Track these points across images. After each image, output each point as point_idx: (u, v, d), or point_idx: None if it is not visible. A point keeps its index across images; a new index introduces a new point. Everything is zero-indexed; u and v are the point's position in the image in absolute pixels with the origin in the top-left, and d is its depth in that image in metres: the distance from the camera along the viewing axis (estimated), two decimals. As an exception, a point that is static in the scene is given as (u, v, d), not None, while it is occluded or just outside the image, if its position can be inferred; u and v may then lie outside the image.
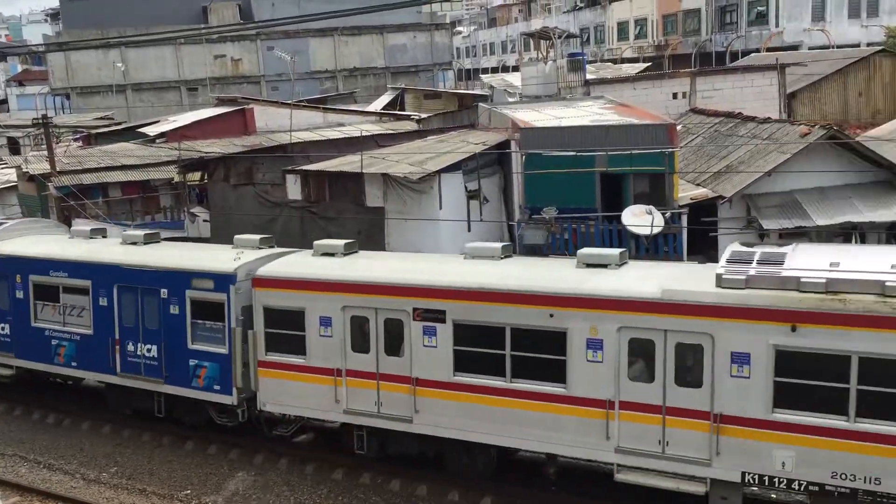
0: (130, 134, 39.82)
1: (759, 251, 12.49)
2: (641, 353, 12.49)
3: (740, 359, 11.72)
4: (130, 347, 17.30)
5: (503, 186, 24.16)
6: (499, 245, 14.86)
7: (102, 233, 20.13)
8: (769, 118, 26.75)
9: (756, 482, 11.92)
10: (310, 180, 24.88)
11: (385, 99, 50.16)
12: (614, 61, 64.15)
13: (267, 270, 15.60)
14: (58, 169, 29.34)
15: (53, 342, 18.57)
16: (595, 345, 12.66)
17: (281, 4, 63.80)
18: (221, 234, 23.59)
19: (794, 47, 54.62)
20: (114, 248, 18.30)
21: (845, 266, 11.59)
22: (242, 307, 15.78)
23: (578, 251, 14.04)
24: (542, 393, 13.14)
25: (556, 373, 13.01)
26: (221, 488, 15.58)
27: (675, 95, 33.40)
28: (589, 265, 13.53)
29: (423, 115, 38.99)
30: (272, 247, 17.05)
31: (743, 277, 11.84)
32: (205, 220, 28.50)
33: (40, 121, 31.19)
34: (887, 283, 11.00)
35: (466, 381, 13.74)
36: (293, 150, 27.74)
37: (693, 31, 65.14)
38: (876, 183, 22.13)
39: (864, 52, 39.76)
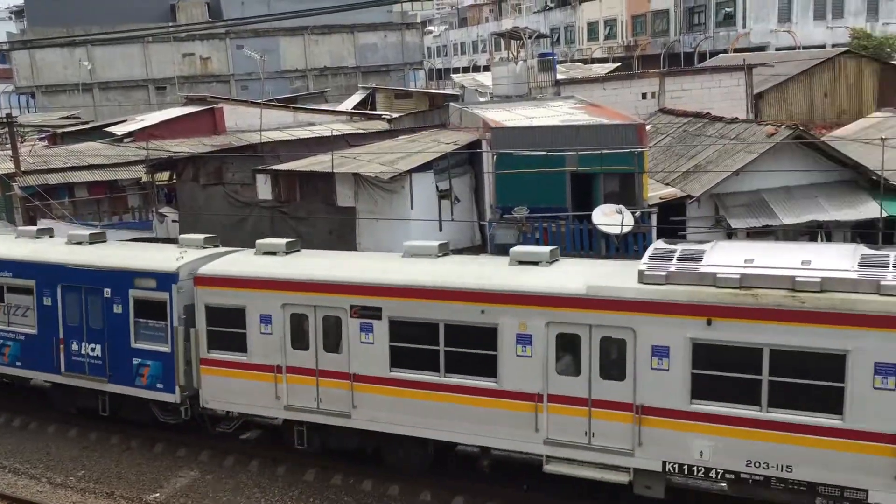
0: (97, 133, 39.37)
1: (679, 248, 12.83)
2: (568, 348, 12.83)
3: (660, 352, 12.09)
4: (75, 347, 17.29)
5: (474, 186, 24.21)
6: (435, 243, 15.13)
7: (49, 233, 19.98)
8: (737, 118, 27.06)
9: (676, 471, 12.28)
10: (280, 180, 24.76)
11: (356, 98, 50.05)
12: (584, 61, 64.51)
13: (208, 269, 15.75)
14: (23, 169, 28.91)
15: None
16: (524, 340, 13.00)
17: (250, 3, 63.41)
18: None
19: (761, 48, 55.33)
20: (58, 248, 18.21)
21: (759, 262, 11.94)
22: (185, 306, 15.91)
23: (511, 249, 14.37)
24: (475, 387, 13.46)
25: (488, 367, 13.31)
26: (190, 490, 15.45)
27: (644, 95, 33.67)
28: (521, 263, 13.87)
29: (394, 115, 38.96)
30: (217, 246, 17.17)
31: (663, 274, 12.20)
32: (174, 221, 28.25)
33: (5, 120, 30.70)
34: (797, 279, 11.38)
35: (402, 377, 14.04)
36: (263, 150, 27.58)
37: (662, 32, 65.73)
38: (841, 182, 22.46)
39: (829, 53, 40.34)
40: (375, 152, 24.55)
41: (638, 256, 20.33)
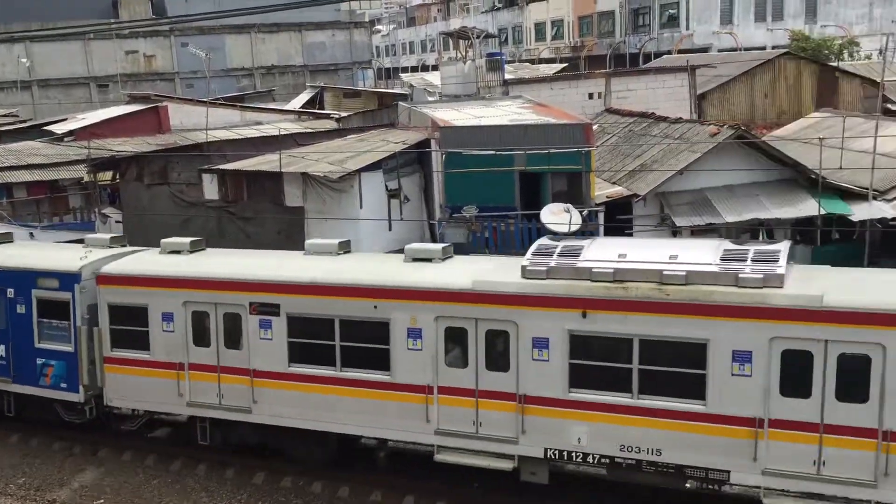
0: (36, 132, 38.36)
1: (561, 245, 13.29)
2: (456, 341, 13.22)
3: (540, 343, 12.57)
4: None
5: (424, 185, 24.22)
6: (335, 241, 15.44)
7: None
8: (681, 118, 27.57)
9: (557, 457, 12.81)
10: (227, 180, 24.44)
11: (304, 97, 49.72)
12: (532, 61, 65.06)
13: (111, 268, 15.81)
14: (-42, 168, 28.04)
15: None
16: (415, 334, 13.37)
17: (195, 0, 62.42)
18: (135, 236, 22.94)
19: (704, 49, 56.45)
20: None
21: (632, 257, 12.48)
22: (88, 305, 15.94)
23: (405, 247, 14.74)
24: (369, 381, 13.81)
25: (381, 361, 13.66)
26: (137, 495, 15.18)
27: (590, 95, 34.08)
28: (415, 260, 14.26)
29: (343, 114, 38.77)
30: (124, 245, 17.22)
31: (544, 269, 12.70)
32: (117, 221, 27.68)
33: (-62, 118, 29.77)
34: (664, 272, 11.95)
35: (300, 372, 14.31)
36: (209, 149, 27.23)
37: (608, 33, 66.60)
38: (781, 181, 23.04)
39: (769, 54, 41.32)
40: (324, 152, 24.40)
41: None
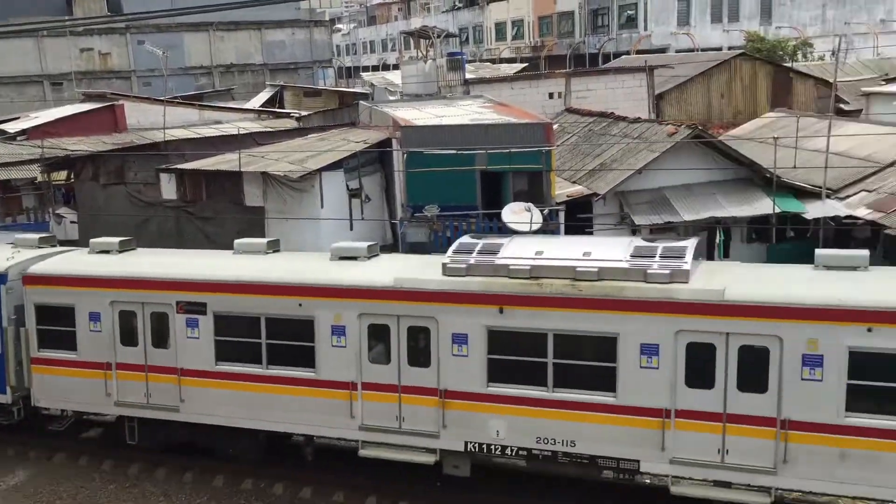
0: (-12, 131, 37.44)
1: (481, 243, 13.55)
2: (379, 338, 13.44)
3: (460, 339, 12.84)
4: None
5: (385, 185, 24.17)
6: (265, 240, 15.59)
7: None
8: (639, 118, 27.88)
9: (477, 450, 13.05)
10: (186, 179, 24.18)
11: (264, 96, 49.33)
12: (493, 61, 65.28)
13: (38, 268, 15.76)
14: None
15: None
16: (339, 331, 13.57)
17: (152, -3, 61.43)
18: (91, 236, 22.55)
19: (662, 50, 57.16)
20: None
21: (548, 254, 12.78)
22: (15, 306, 15.81)
23: (331, 245, 14.87)
24: (295, 378, 13.97)
25: (307, 358, 13.83)
26: (93, 501, 14.93)
27: (550, 95, 34.31)
28: (342, 258, 14.43)
29: (303, 113, 38.50)
30: (54, 245, 17.10)
31: (464, 266, 12.97)
32: (72, 222, 27.21)
33: None
34: (577, 269, 12.29)
35: (227, 370, 14.41)
36: (167, 148, 26.92)
37: (567, 33, 67.09)
38: (738, 180, 23.41)
39: (725, 55, 41.99)
40: (284, 151, 24.24)
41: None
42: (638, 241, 13.04)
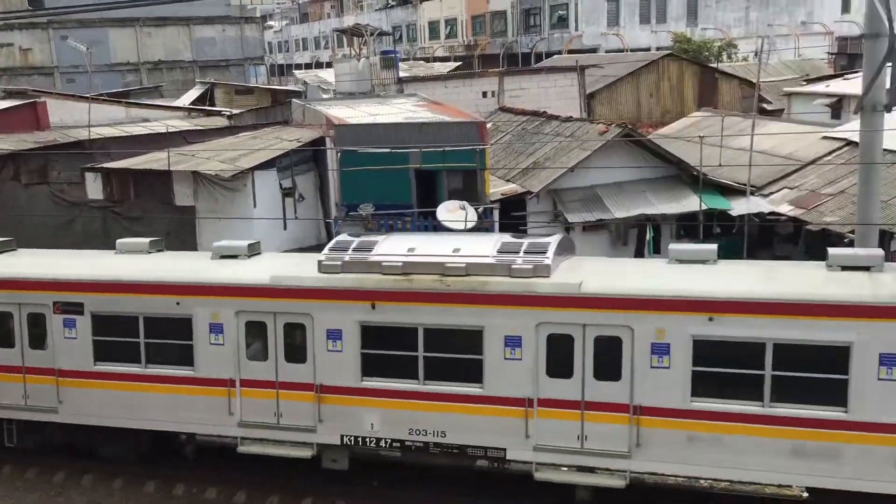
0: None
1: (356, 240, 13.78)
2: (257, 335, 13.57)
3: (334, 335, 13.09)
4: None
5: (319, 184, 23.99)
6: (147, 240, 15.53)
7: None
8: (571, 117, 28.26)
9: (353, 443, 13.33)
10: (112, 179, 23.61)
11: (193, 94, 48.37)
12: (426, 60, 65.33)
13: None
14: None
15: None
16: (217, 329, 13.67)
17: (75, -9, 59.64)
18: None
19: (593, 50, 58.04)
20: None
21: (419, 251, 13.07)
22: None
23: (213, 244, 14.91)
24: (174, 376, 14.04)
25: (185, 357, 13.90)
26: None
27: (484, 94, 34.52)
28: (223, 257, 14.50)
29: (235, 111, 37.93)
30: None
31: (339, 263, 13.18)
32: (-8, 223, 26.24)
33: None
34: (446, 265, 12.65)
35: (106, 370, 14.40)
36: (93, 147, 26.22)
37: (500, 33, 67.61)
38: (667, 178, 23.95)
39: (653, 55, 42.89)
40: (215, 149, 23.86)
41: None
42: (506, 238, 13.31)
